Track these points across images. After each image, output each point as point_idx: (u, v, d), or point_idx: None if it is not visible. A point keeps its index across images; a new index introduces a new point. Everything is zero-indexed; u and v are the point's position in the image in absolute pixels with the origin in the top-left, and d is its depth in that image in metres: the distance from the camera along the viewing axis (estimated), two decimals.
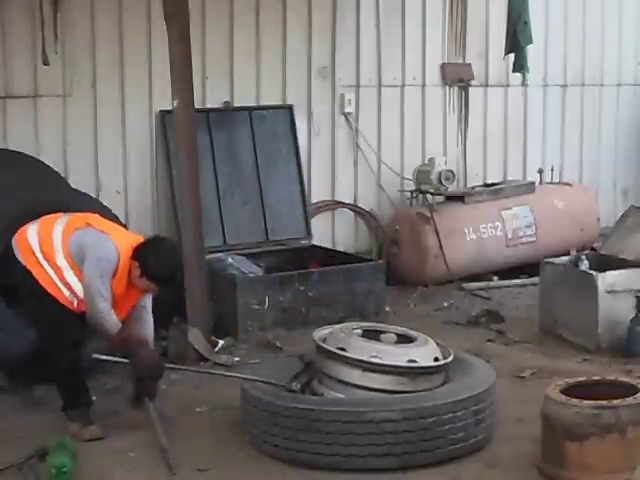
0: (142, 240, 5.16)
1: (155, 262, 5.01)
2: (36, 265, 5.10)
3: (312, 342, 5.13)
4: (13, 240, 5.20)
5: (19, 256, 5.14)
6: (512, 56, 9.09)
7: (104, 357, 5.26)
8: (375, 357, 4.87)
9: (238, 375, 5.35)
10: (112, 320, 5.01)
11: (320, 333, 5.22)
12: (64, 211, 5.46)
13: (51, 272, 5.08)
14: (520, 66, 9.08)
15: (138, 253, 5.03)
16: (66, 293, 5.09)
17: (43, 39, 7.24)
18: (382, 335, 5.23)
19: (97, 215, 5.40)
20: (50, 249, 5.09)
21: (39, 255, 5.10)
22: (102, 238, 5.05)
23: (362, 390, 4.86)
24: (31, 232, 5.18)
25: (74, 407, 5.27)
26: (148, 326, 5.24)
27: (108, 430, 5.17)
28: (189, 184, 6.68)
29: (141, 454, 4.95)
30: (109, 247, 5.00)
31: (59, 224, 5.17)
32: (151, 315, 5.27)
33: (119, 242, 5.05)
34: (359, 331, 5.21)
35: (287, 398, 4.86)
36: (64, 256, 5.07)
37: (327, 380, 4.99)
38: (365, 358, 4.87)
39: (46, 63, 7.26)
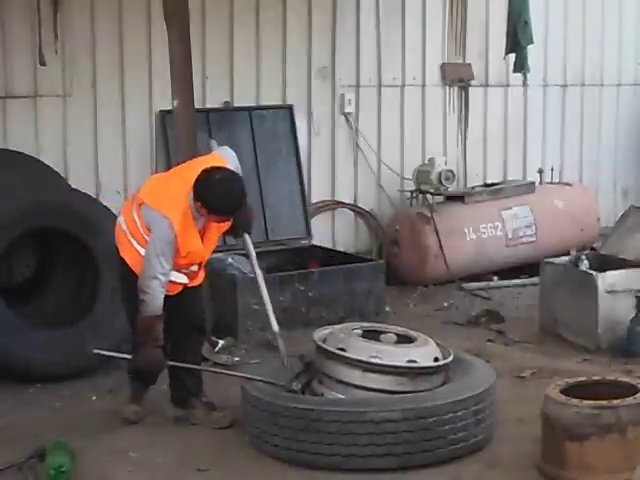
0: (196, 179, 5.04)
1: (216, 198, 4.94)
2: (129, 250, 5.15)
3: (312, 342, 5.13)
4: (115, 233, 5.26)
5: (118, 245, 5.22)
6: (512, 56, 9.09)
7: (105, 352, 5.24)
8: (375, 357, 4.87)
9: (239, 374, 5.35)
10: (155, 302, 4.96)
11: (320, 333, 5.22)
12: (64, 210, 5.49)
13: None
14: (521, 66, 9.08)
15: (197, 194, 4.96)
16: None
17: (40, 39, 7.24)
18: (382, 335, 5.23)
19: (148, 185, 5.30)
20: (136, 230, 5.12)
21: (131, 239, 5.14)
22: (156, 218, 4.99)
23: (362, 390, 4.86)
24: (120, 220, 5.24)
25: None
26: None
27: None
28: None
29: (141, 454, 4.94)
30: (163, 227, 4.94)
31: (132, 205, 5.18)
32: None
33: (171, 213, 4.96)
34: (359, 331, 5.21)
35: (287, 398, 4.86)
36: (144, 232, 5.09)
37: (327, 380, 4.99)
38: (365, 358, 4.87)
39: (43, 63, 7.25)
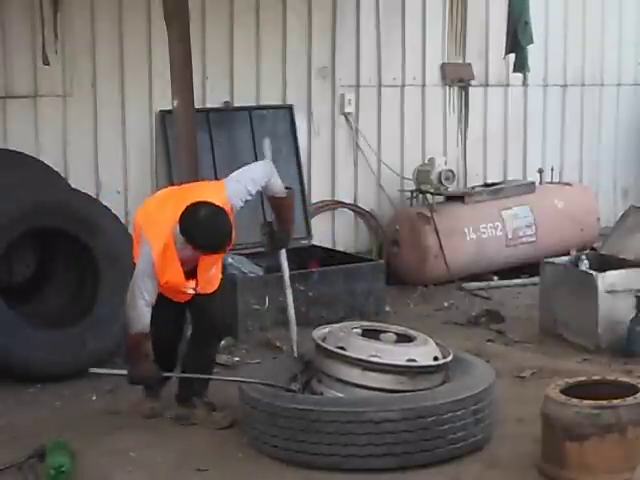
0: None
1: (200, 236, 4.92)
2: None
3: (312, 341, 5.13)
4: None
5: None
6: (512, 56, 9.09)
7: (101, 371, 5.31)
8: (374, 356, 4.87)
9: (236, 379, 5.31)
10: (142, 321, 5.00)
11: (320, 332, 5.22)
12: (64, 210, 5.49)
13: None
14: (521, 66, 9.08)
15: (182, 230, 4.96)
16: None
17: (43, 39, 7.24)
18: (382, 335, 5.23)
19: (145, 206, 5.36)
20: None
21: None
22: (144, 241, 5.05)
23: (361, 389, 4.86)
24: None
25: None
26: None
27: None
28: None
29: (141, 454, 4.94)
30: (145, 251, 5.01)
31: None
32: None
33: (154, 241, 4.98)
34: (359, 330, 5.21)
35: (286, 399, 4.85)
36: None
37: (326, 379, 4.99)
38: (364, 357, 4.87)
39: (46, 63, 7.26)
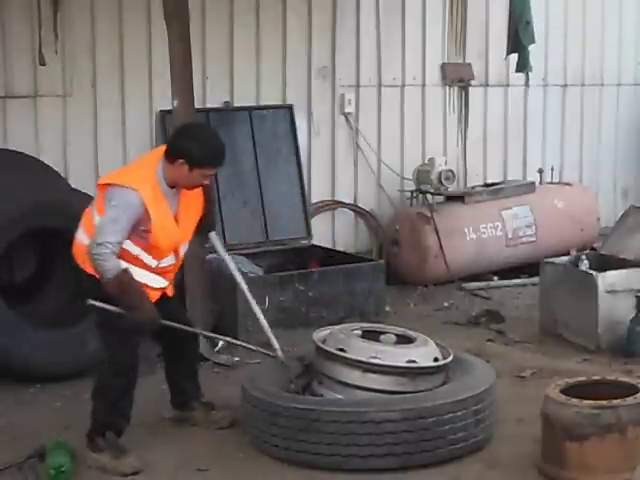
0: (165, 145, 4.76)
1: (199, 146, 4.63)
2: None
3: (312, 343, 5.13)
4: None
5: (81, 264, 4.81)
6: (513, 56, 9.08)
7: (100, 304, 4.78)
8: (375, 358, 4.87)
9: (223, 338, 5.43)
10: (111, 263, 4.52)
11: (320, 334, 5.22)
12: (64, 210, 5.42)
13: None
14: (523, 66, 9.07)
15: (175, 150, 4.65)
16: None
17: (40, 39, 7.24)
18: (382, 336, 5.22)
19: (121, 169, 4.97)
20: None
21: None
22: (117, 191, 4.60)
23: (362, 391, 4.86)
24: (79, 234, 4.87)
25: (106, 429, 4.83)
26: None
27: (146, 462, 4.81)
28: None
29: (141, 454, 4.93)
30: (126, 195, 4.55)
31: (91, 206, 4.88)
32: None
33: (137, 185, 4.58)
34: (359, 332, 5.21)
35: (287, 398, 4.85)
36: None
37: (327, 381, 4.99)
38: (365, 359, 4.86)
39: (42, 63, 7.25)
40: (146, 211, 4.59)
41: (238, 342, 5.54)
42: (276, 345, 5.18)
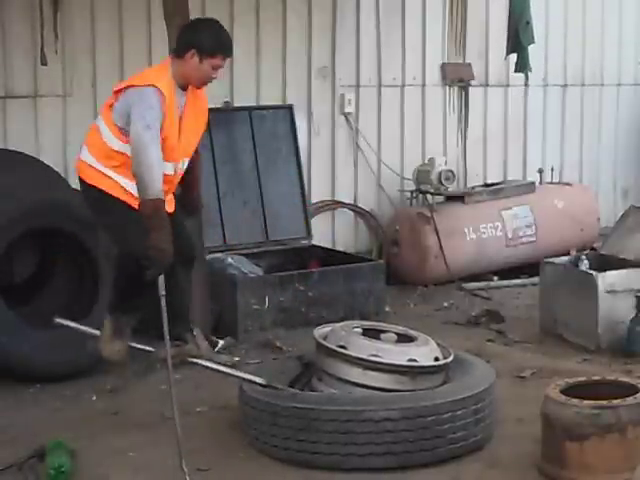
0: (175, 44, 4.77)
1: (208, 34, 4.66)
2: (99, 178, 4.76)
3: (312, 342, 5.13)
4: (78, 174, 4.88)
5: (86, 181, 4.82)
6: (513, 56, 9.08)
7: (66, 322, 4.91)
8: (375, 356, 4.87)
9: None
10: (157, 183, 4.51)
11: (321, 331, 5.22)
12: (64, 210, 5.40)
13: (111, 173, 4.74)
14: (523, 66, 9.07)
15: (184, 43, 4.65)
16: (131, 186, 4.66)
17: (42, 39, 7.24)
18: (382, 334, 5.23)
19: (133, 75, 4.91)
20: (103, 147, 4.77)
21: (99, 166, 4.78)
22: (136, 92, 4.59)
23: (362, 388, 4.86)
24: (82, 150, 4.89)
25: (114, 311, 4.97)
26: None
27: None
28: None
29: (141, 454, 4.95)
30: (148, 92, 4.55)
31: (98, 119, 4.88)
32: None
33: (156, 82, 4.59)
34: (359, 330, 5.21)
35: (286, 398, 4.85)
36: (118, 138, 4.70)
37: (327, 378, 4.99)
38: (366, 356, 4.87)
39: (44, 63, 7.26)
40: (165, 103, 4.57)
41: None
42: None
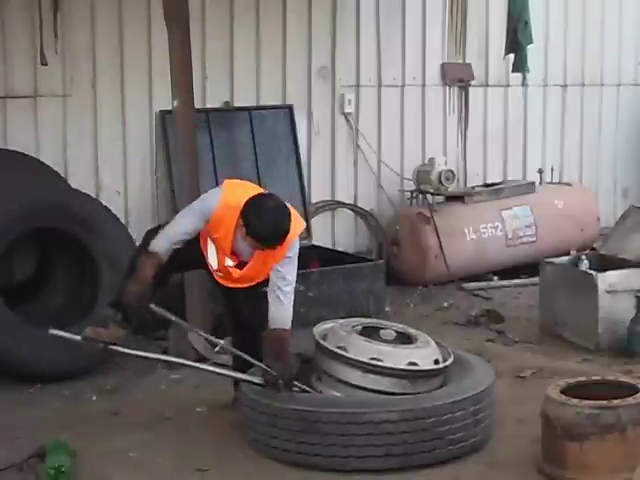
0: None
1: (258, 222, 4.87)
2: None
3: (312, 338, 5.12)
4: None
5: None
6: (512, 56, 9.09)
7: (60, 333, 5.00)
8: (376, 359, 4.86)
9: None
10: (162, 245, 4.95)
11: (320, 329, 5.21)
12: (64, 210, 5.42)
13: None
14: (520, 66, 9.09)
15: (244, 216, 4.93)
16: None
17: (42, 39, 7.24)
18: (381, 331, 5.20)
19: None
20: None
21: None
22: (214, 191, 5.13)
23: (362, 391, 4.86)
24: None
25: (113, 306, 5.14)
26: (273, 308, 5.07)
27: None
28: (189, 184, 6.68)
29: (141, 454, 4.94)
30: (212, 194, 5.06)
31: None
32: (284, 301, 5.11)
33: (230, 194, 5.00)
34: (359, 327, 5.19)
35: (286, 399, 4.84)
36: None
37: (326, 378, 4.99)
38: (366, 360, 4.85)
39: (44, 63, 7.26)
40: (216, 211, 4.95)
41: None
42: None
